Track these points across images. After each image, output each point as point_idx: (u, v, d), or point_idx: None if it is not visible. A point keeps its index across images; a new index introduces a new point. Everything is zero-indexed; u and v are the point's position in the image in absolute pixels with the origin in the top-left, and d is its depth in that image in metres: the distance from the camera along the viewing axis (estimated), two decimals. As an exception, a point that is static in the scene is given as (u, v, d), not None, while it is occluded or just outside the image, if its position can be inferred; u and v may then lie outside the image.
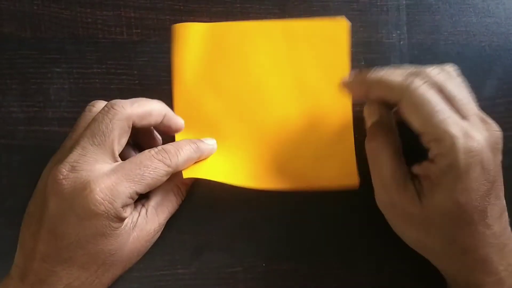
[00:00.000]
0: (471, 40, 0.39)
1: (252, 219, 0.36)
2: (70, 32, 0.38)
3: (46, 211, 0.29)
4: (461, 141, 0.27)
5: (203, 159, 0.34)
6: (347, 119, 0.36)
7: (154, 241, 0.33)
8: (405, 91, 0.29)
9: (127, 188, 0.29)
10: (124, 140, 0.31)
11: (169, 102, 0.37)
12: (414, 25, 0.39)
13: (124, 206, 0.29)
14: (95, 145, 0.29)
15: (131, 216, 0.31)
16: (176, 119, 0.35)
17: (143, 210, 0.32)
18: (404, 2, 0.39)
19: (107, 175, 0.29)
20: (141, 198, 0.32)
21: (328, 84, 0.36)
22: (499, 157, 0.29)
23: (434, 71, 0.30)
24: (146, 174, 0.30)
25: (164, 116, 0.33)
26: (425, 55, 0.38)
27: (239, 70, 0.36)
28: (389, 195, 0.30)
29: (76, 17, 0.38)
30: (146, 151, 0.31)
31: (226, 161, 0.35)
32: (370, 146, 0.31)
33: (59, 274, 0.29)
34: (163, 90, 0.37)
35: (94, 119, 0.30)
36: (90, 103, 0.32)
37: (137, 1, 0.38)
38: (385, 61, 0.38)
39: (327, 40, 0.36)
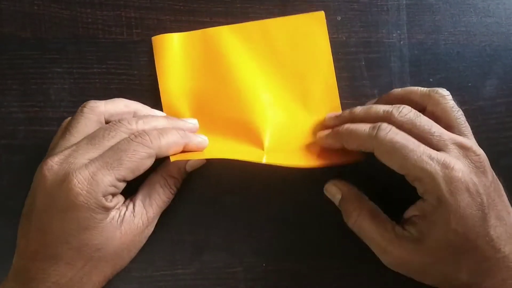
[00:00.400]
0: (471, 40, 0.39)
1: (252, 219, 0.36)
2: (70, 32, 0.38)
3: (34, 208, 0.29)
4: (440, 174, 0.28)
5: (192, 150, 0.33)
6: (337, 109, 0.37)
7: (145, 237, 0.32)
8: (374, 141, 0.30)
9: (105, 176, 0.28)
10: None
11: (169, 102, 0.37)
12: (414, 25, 0.39)
13: (106, 195, 0.29)
14: (90, 144, 0.30)
15: (118, 211, 0.30)
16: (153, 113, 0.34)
17: (131, 205, 0.31)
18: (404, 2, 0.39)
19: (85, 166, 0.28)
20: (131, 194, 0.32)
21: (313, 76, 0.37)
22: (488, 178, 0.29)
23: (403, 111, 0.31)
24: (124, 158, 0.29)
25: (134, 112, 0.33)
26: (425, 55, 0.38)
27: (222, 72, 0.36)
28: (392, 256, 0.31)
29: (76, 17, 0.38)
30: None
31: (215, 141, 0.35)
32: (351, 223, 0.33)
33: (47, 271, 0.29)
34: (163, 90, 0.37)
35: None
36: (82, 105, 0.32)
37: (138, 1, 0.38)
38: (385, 61, 0.38)
39: (306, 33, 0.37)
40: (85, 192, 0.28)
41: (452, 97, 0.32)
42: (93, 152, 0.29)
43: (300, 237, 0.36)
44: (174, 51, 0.37)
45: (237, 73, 0.36)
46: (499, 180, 0.31)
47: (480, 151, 0.30)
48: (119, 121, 0.31)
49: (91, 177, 0.28)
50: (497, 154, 0.36)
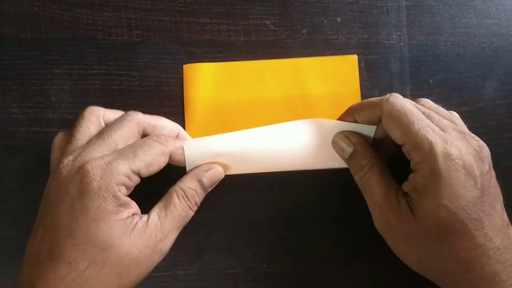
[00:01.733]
0: (471, 41, 0.39)
1: (252, 220, 0.36)
2: (70, 33, 0.38)
3: (46, 207, 0.29)
4: (439, 146, 0.28)
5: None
6: None
7: (159, 254, 0.31)
8: (385, 105, 0.30)
9: (120, 165, 0.29)
10: (131, 142, 0.31)
11: (170, 103, 0.37)
12: (414, 26, 0.39)
13: (119, 183, 0.29)
14: (100, 139, 0.30)
15: (131, 219, 0.29)
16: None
17: (145, 217, 0.30)
18: (404, 3, 0.39)
19: (101, 157, 0.29)
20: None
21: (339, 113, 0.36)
22: (485, 165, 0.29)
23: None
24: (139, 151, 0.30)
25: (177, 135, 0.33)
26: (425, 56, 0.38)
27: (248, 102, 0.37)
28: (385, 217, 0.31)
29: (76, 18, 0.38)
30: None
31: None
32: (360, 176, 0.32)
33: (45, 275, 0.28)
34: (163, 91, 0.37)
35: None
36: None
37: (138, 2, 0.38)
38: (385, 62, 0.38)
39: (337, 74, 0.37)
40: (98, 178, 0.28)
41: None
42: (105, 147, 0.30)
43: (300, 239, 0.36)
44: (204, 80, 0.37)
45: (263, 105, 0.37)
46: (497, 182, 0.31)
47: (478, 139, 0.30)
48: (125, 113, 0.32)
49: (106, 165, 0.28)
50: (497, 156, 0.36)
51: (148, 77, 0.37)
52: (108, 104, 0.37)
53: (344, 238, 0.36)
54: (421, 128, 0.29)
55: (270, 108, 0.37)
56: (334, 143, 0.34)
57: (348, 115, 0.34)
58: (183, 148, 0.32)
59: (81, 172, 0.28)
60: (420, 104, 0.32)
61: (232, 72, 0.37)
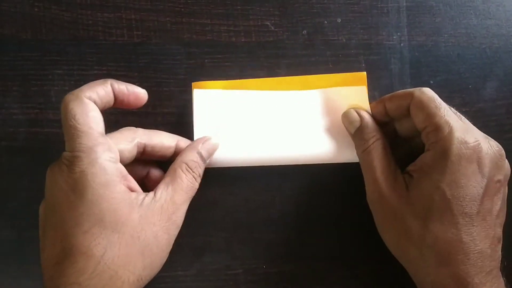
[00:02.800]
0: (471, 42, 0.39)
1: (252, 221, 0.36)
2: (70, 34, 0.38)
3: (47, 209, 0.29)
4: (459, 132, 0.29)
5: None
6: None
7: (175, 225, 0.31)
8: (417, 91, 0.31)
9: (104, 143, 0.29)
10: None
11: (170, 103, 0.37)
12: (414, 27, 0.39)
13: (106, 158, 0.28)
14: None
15: (136, 195, 0.29)
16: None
17: (151, 193, 0.30)
18: (404, 4, 0.39)
19: (79, 145, 0.28)
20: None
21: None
22: (499, 176, 0.29)
23: None
24: (113, 133, 0.31)
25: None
26: (425, 57, 0.38)
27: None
28: (378, 189, 0.31)
29: (76, 19, 0.38)
30: None
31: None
32: (362, 150, 0.32)
33: (66, 272, 0.27)
34: (163, 92, 0.37)
35: None
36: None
37: (138, 3, 0.38)
38: (386, 63, 0.38)
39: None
40: (84, 154, 0.27)
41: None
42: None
43: (300, 239, 0.36)
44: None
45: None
46: None
47: (501, 147, 0.30)
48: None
49: (87, 149, 0.28)
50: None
51: (149, 77, 0.37)
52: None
53: (345, 238, 0.36)
54: (446, 115, 0.29)
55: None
56: (344, 117, 0.34)
57: (379, 103, 0.34)
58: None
59: (61, 161, 0.28)
60: None
61: (240, 88, 0.37)
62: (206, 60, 0.38)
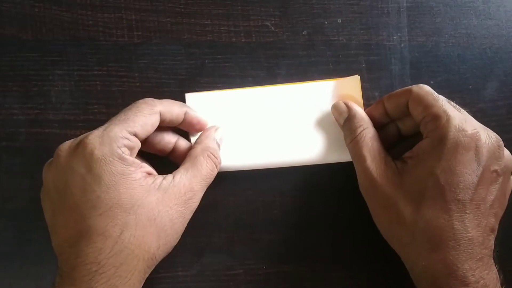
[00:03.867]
0: (472, 43, 0.39)
1: (252, 221, 0.36)
2: (71, 35, 0.38)
3: (55, 199, 0.29)
4: (457, 120, 0.29)
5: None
6: None
7: (190, 210, 0.31)
8: (415, 87, 0.31)
9: (115, 129, 0.29)
10: (147, 127, 0.31)
11: (170, 104, 0.37)
12: (414, 28, 0.39)
13: (120, 146, 0.29)
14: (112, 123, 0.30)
15: (152, 179, 0.30)
16: (198, 117, 0.35)
17: (170, 176, 0.31)
18: (404, 4, 0.39)
19: (97, 130, 0.30)
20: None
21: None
22: (495, 167, 0.29)
23: None
24: (130, 113, 0.30)
25: (185, 114, 0.34)
26: (426, 57, 0.38)
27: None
28: (369, 177, 0.31)
29: (77, 20, 0.38)
30: None
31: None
32: (350, 139, 0.33)
33: (84, 252, 0.27)
34: (163, 92, 0.37)
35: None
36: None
37: (138, 3, 0.38)
38: (386, 63, 0.38)
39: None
40: (98, 145, 0.28)
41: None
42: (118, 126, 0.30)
43: (300, 240, 0.36)
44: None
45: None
46: None
47: (499, 138, 0.30)
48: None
49: (102, 133, 0.29)
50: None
51: (149, 78, 0.37)
52: (109, 105, 0.37)
53: (345, 239, 0.36)
54: (444, 105, 0.30)
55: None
56: (334, 108, 0.35)
57: (378, 104, 0.34)
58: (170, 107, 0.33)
59: (81, 146, 0.29)
60: None
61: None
62: (206, 61, 0.38)
